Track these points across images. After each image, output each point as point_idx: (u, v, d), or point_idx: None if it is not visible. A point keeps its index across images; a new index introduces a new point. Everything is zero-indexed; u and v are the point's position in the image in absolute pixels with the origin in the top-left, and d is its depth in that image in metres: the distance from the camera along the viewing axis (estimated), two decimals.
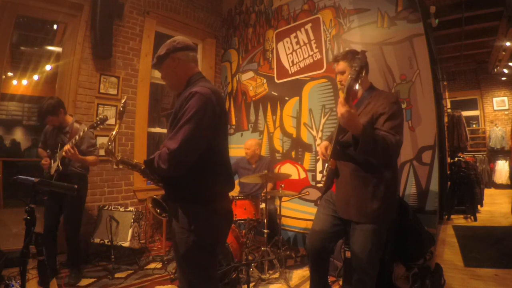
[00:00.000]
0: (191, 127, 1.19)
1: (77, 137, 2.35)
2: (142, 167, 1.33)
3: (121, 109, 1.40)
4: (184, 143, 1.17)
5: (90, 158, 2.55)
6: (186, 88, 1.35)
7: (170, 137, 1.22)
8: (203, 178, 1.28)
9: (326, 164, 1.76)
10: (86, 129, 2.34)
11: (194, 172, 1.25)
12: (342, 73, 1.69)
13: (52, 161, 2.51)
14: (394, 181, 1.63)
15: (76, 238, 2.57)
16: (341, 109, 1.33)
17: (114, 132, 1.36)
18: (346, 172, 1.63)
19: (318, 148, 1.82)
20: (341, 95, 1.35)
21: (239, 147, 3.86)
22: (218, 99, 1.30)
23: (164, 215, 1.36)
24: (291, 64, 3.70)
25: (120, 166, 1.37)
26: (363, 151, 1.42)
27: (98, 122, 2.34)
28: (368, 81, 1.73)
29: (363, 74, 1.35)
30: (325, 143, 1.81)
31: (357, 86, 1.35)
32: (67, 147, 2.32)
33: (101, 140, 3.35)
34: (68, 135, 2.54)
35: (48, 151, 2.58)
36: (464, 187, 4.74)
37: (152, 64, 1.45)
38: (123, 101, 1.41)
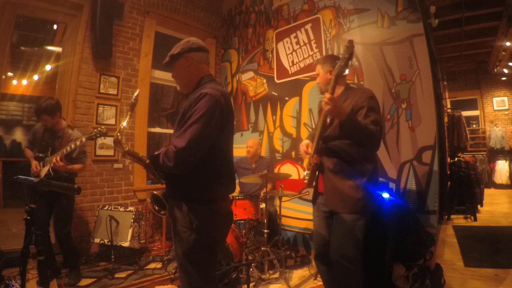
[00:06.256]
0: (199, 127, 1.21)
1: (72, 145, 2.30)
2: (147, 162, 1.34)
3: (133, 101, 1.43)
4: (192, 142, 1.19)
5: (77, 166, 2.52)
6: (196, 89, 1.37)
7: (178, 136, 1.24)
8: (206, 178, 1.29)
9: (309, 162, 1.80)
10: (84, 139, 2.29)
11: (198, 171, 1.26)
12: (317, 75, 1.86)
13: (42, 164, 2.46)
14: (374, 173, 1.73)
15: (69, 239, 2.54)
16: (326, 97, 1.46)
17: (124, 123, 1.37)
18: (330, 166, 1.70)
19: (300, 147, 1.88)
20: (327, 93, 1.49)
21: (238, 147, 3.86)
22: (227, 101, 1.33)
23: (162, 212, 1.37)
24: (291, 64, 3.70)
25: (127, 157, 1.39)
26: (351, 135, 1.57)
27: (98, 135, 2.28)
28: (345, 81, 1.84)
29: (352, 62, 1.48)
30: (306, 141, 1.87)
31: (347, 71, 1.49)
32: (55, 158, 2.27)
33: (102, 140, 3.36)
34: (60, 140, 2.49)
35: (37, 153, 2.52)
36: (464, 187, 4.74)
37: (164, 62, 1.46)
38: (135, 94, 1.43)
